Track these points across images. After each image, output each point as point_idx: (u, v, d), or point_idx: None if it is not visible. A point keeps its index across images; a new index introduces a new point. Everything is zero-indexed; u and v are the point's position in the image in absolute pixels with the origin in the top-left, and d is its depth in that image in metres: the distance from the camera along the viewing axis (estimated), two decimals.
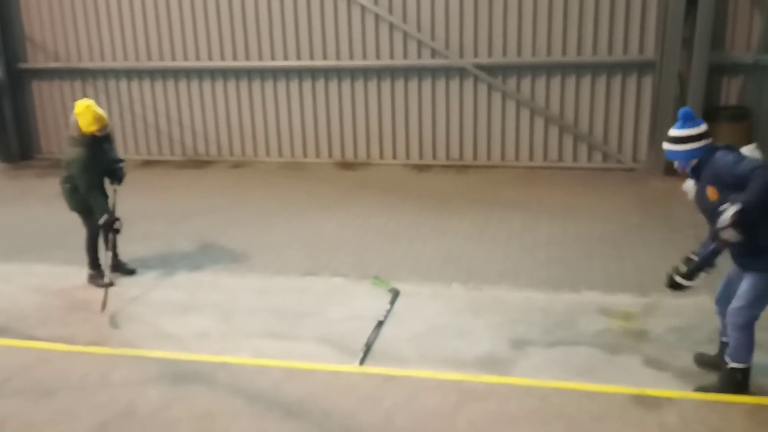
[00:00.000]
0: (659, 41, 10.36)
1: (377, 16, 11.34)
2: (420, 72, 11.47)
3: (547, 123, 11.23)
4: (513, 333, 5.83)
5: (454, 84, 11.39)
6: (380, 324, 6.02)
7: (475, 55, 11.20)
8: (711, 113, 9.88)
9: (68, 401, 4.93)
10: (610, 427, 4.43)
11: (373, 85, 11.69)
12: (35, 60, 12.98)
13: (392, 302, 6.45)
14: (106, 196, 7.00)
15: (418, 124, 11.66)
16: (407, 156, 11.84)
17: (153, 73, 12.52)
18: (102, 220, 6.85)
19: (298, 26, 11.68)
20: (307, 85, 11.93)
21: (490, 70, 11.17)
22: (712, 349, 5.21)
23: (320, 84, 11.89)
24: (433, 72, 11.41)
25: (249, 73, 12.11)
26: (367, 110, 11.81)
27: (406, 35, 11.35)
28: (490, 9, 10.95)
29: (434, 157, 11.74)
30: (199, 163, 12.41)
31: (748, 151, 4.59)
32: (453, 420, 4.56)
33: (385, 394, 4.87)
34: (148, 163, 12.48)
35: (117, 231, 6.95)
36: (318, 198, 9.95)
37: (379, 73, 11.61)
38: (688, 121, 4.65)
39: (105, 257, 7.05)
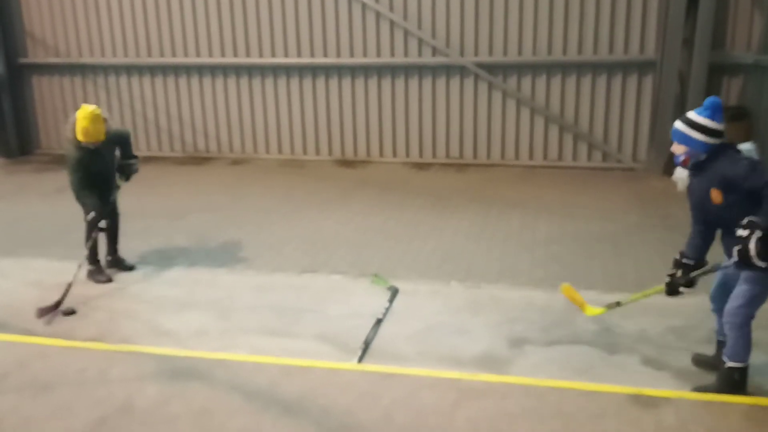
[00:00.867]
0: (660, 41, 10.37)
1: (378, 14, 11.33)
2: (420, 70, 11.47)
3: (547, 122, 11.23)
4: (511, 331, 5.83)
5: (455, 82, 11.39)
6: (379, 322, 6.02)
7: (476, 53, 11.20)
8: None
9: (66, 397, 4.92)
10: (607, 426, 4.43)
11: (373, 82, 11.69)
12: (35, 55, 12.98)
13: (391, 300, 6.45)
14: (108, 191, 7.00)
15: (418, 122, 11.67)
16: (407, 154, 11.85)
17: (153, 70, 12.51)
18: (89, 217, 6.86)
19: (298, 23, 11.68)
20: (307, 82, 11.93)
21: (491, 68, 11.17)
22: (710, 350, 5.21)
23: (320, 81, 11.89)
24: (434, 70, 11.41)
25: (249, 70, 12.11)
26: (367, 108, 11.81)
27: (406, 33, 11.34)
28: (491, 7, 10.96)
29: (434, 155, 11.74)
30: (198, 160, 12.40)
31: (746, 151, 4.57)
32: (451, 418, 4.56)
33: (383, 392, 4.86)
34: (147, 160, 12.43)
35: (101, 230, 6.93)
36: (317, 195, 9.95)
37: (380, 70, 11.61)
38: (717, 112, 4.46)
39: (82, 254, 7.01)
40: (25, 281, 7.15)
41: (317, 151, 12.19)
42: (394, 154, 11.89)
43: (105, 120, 6.73)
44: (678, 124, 4.58)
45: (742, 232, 4.22)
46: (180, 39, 12.21)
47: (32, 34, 12.90)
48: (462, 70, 11.30)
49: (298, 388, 4.95)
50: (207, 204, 9.70)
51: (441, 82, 11.45)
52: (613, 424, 4.44)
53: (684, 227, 7.74)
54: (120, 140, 7.13)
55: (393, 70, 11.57)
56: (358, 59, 11.60)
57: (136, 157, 7.21)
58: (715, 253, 4.75)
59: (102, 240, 7.19)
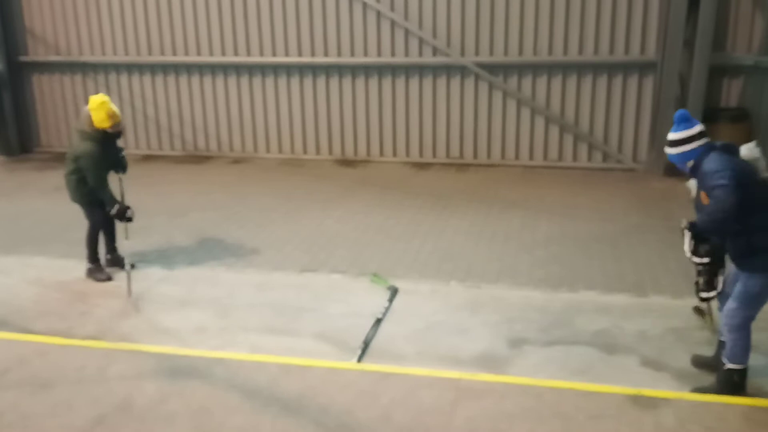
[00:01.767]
0: (661, 42, 10.36)
1: (378, 13, 11.33)
2: (421, 70, 11.46)
3: (548, 122, 11.23)
4: (511, 331, 5.84)
5: (455, 82, 11.38)
6: (378, 321, 6.03)
7: (477, 53, 11.19)
8: (711, 114, 9.88)
9: (65, 394, 4.93)
10: (606, 427, 4.43)
11: (373, 82, 11.68)
12: (36, 53, 12.97)
13: (391, 300, 6.45)
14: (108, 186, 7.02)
15: (419, 122, 11.66)
16: (407, 154, 11.84)
17: (153, 68, 12.50)
18: (114, 211, 6.87)
19: (298, 22, 11.67)
20: (307, 81, 11.93)
21: (491, 68, 11.17)
22: (709, 351, 5.21)
23: (320, 81, 11.88)
24: (434, 70, 11.41)
25: (249, 69, 12.10)
26: (368, 107, 11.80)
27: (407, 33, 11.34)
28: (492, 7, 10.94)
29: (434, 155, 11.73)
30: (198, 159, 12.40)
31: (747, 149, 4.60)
32: (450, 417, 4.57)
33: (382, 391, 4.87)
34: (147, 158, 12.48)
35: (129, 219, 6.96)
36: (317, 195, 9.95)
37: (380, 70, 11.61)
38: (682, 123, 4.68)
39: (123, 246, 7.06)
40: (26, 279, 7.15)
41: (317, 151, 12.19)
42: (395, 154, 11.89)
43: None
44: (665, 150, 4.80)
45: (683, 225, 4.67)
46: (181, 37, 12.21)
47: (33, 32, 12.89)
48: (463, 70, 11.30)
49: (297, 386, 4.95)
50: (207, 203, 9.70)
51: (441, 82, 11.45)
52: (612, 425, 4.45)
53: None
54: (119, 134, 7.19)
55: (393, 70, 11.56)
56: (359, 59, 11.59)
57: (122, 149, 7.25)
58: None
59: (101, 238, 7.20)
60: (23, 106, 13.18)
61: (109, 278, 7.07)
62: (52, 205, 9.26)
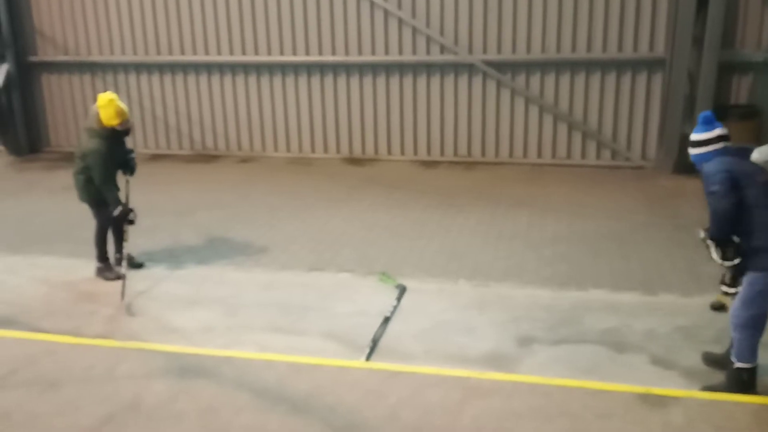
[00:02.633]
0: (669, 39, 10.32)
1: (386, 12, 11.32)
2: (428, 68, 11.45)
3: (556, 120, 11.20)
4: (518, 330, 5.82)
5: (463, 80, 11.37)
6: (387, 320, 6.02)
7: (484, 51, 11.17)
8: (720, 112, 9.77)
9: (74, 393, 4.94)
10: (614, 426, 4.42)
11: (381, 80, 11.68)
12: (45, 53, 13.02)
13: (399, 298, 6.45)
14: (118, 189, 7.03)
15: (426, 121, 11.65)
16: (415, 152, 11.83)
17: (162, 67, 12.53)
18: (116, 212, 6.89)
19: (306, 21, 11.67)
20: (315, 80, 11.93)
21: (499, 66, 11.15)
22: (719, 349, 5.18)
23: (328, 79, 11.88)
24: (442, 68, 11.39)
25: (257, 68, 12.11)
26: (375, 106, 11.80)
27: (415, 31, 11.33)
28: (500, 5, 10.92)
29: (442, 153, 11.72)
30: (207, 158, 12.42)
31: (758, 152, 4.58)
32: (457, 416, 4.56)
33: (390, 390, 4.86)
34: (156, 157, 12.51)
35: (131, 222, 6.98)
36: (325, 193, 9.95)
37: (388, 68, 11.60)
38: (702, 125, 4.77)
39: (124, 248, 7.05)
40: (34, 278, 7.18)
41: (325, 149, 12.19)
42: (402, 152, 11.88)
43: None
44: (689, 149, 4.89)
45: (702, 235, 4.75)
46: (188, 37, 12.23)
47: (42, 32, 12.94)
48: (470, 68, 11.27)
49: (305, 385, 4.95)
50: (215, 202, 9.71)
51: (449, 80, 11.43)
52: (620, 423, 4.43)
53: (692, 226, 7.74)
54: (127, 132, 7.21)
55: (401, 68, 11.55)
56: (366, 57, 11.58)
57: (132, 150, 7.28)
58: None
59: (109, 237, 7.22)
60: (32, 106, 13.23)
61: (118, 277, 7.07)
62: (61, 204, 9.29)
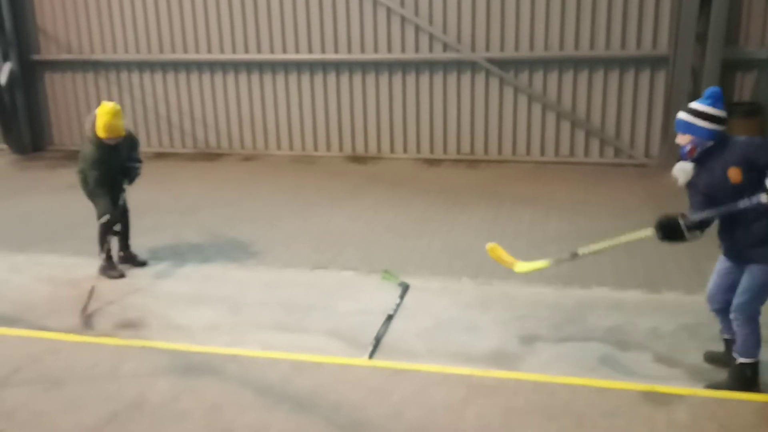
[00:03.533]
0: (673, 36, 10.30)
1: (389, 10, 11.31)
2: (431, 66, 11.44)
3: (559, 118, 11.19)
4: (522, 328, 5.82)
5: (466, 78, 11.36)
6: (390, 318, 6.02)
7: (487, 49, 11.16)
8: (724, 109, 9.80)
9: (78, 392, 4.95)
10: (618, 423, 4.41)
11: (384, 78, 11.67)
12: (48, 52, 13.03)
13: (402, 296, 6.44)
14: (119, 192, 7.04)
15: (429, 119, 11.64)
16: (418, 150, 11.83)
17: (165, 66, 12.54)
18: (103, 219, 6.90)
19: (310, 19, 11.67)
20: (318, 78, 11.93)
21: (502, 64, 11.13)
22: (722, 347, 5.17)
23: (332, 77, 11.88)
24: (445, 66, 11.38)
25: (261, 66, 12.11)
26: (378, 104, 11.80)
27: (417, 29, 11.32)
28: (503, 3, 10.91)
29: (445, 151, 11.72)
30: (210, 156, 12.43)
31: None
32: (461, 414, 4.55)
33: (393, 388, 4.86)
34: (159, 155, 12.52)
35: (116, 233, 6.99)
36: (328, 191, 9.95)
37: (391, 66, 11.59)
38: (718, 101, 4.60)
39: (111, 250, 7.05)
40: (38, 277, 7.19)
41: (328, 147, 12.19)
42: (405, 150, 11.88)
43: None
44: (682, 115, 4.67)
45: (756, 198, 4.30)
46: (192, 35, 12.23)
47: (45, 31, 12.96)
48: (473, 66, 11.26)
49: (309, 383, 4.95)
50: (218, 200, 9.72)
51: (452, 78, 11.42)
52: (625, 421, 4.42)
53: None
54: (133, 142, 7.23)
55: (404, 66, 11.55)
56: (370, 55, 11.58)
57: (140, 161, 7.27)
58: (712, 256, 4.71)
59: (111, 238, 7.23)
60: (35, 104, 13.25)
61: (121, 275, 7.09)
62: (64, 203, 9.31)
